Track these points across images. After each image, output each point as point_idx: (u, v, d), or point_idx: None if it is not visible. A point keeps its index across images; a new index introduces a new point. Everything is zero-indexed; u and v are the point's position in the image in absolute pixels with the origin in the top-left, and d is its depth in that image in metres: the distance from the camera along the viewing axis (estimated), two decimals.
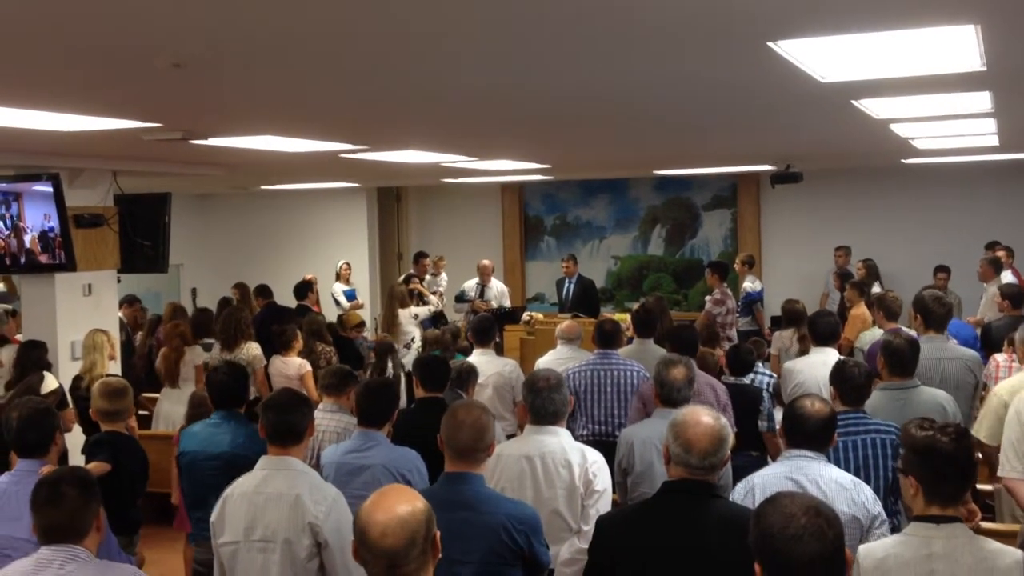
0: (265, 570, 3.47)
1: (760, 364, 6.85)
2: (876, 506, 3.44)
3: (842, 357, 5.33)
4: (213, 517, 3.62)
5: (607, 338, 6.21)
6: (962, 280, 10.67)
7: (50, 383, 5.99)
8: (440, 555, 2.39)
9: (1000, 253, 10.12)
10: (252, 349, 7.76)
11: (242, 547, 3.51)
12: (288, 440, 3.63)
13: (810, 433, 3.54)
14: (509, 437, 4.38)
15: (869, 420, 4.18)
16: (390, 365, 7.94)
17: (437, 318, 10.72)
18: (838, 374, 4.41)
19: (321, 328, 8.35)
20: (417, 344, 9.44)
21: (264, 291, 10.38)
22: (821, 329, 6.15)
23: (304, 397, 3.88)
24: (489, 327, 7.18)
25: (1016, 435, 3.97)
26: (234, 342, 7.74)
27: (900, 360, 4.67)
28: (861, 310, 8.38)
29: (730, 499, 3.47)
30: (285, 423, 3.62)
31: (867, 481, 3.72)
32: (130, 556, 4.33)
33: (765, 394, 5.98)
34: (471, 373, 5.97)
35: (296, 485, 3.50)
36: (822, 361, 5.67)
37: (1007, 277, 9.46)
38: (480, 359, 6.73)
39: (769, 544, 2.21)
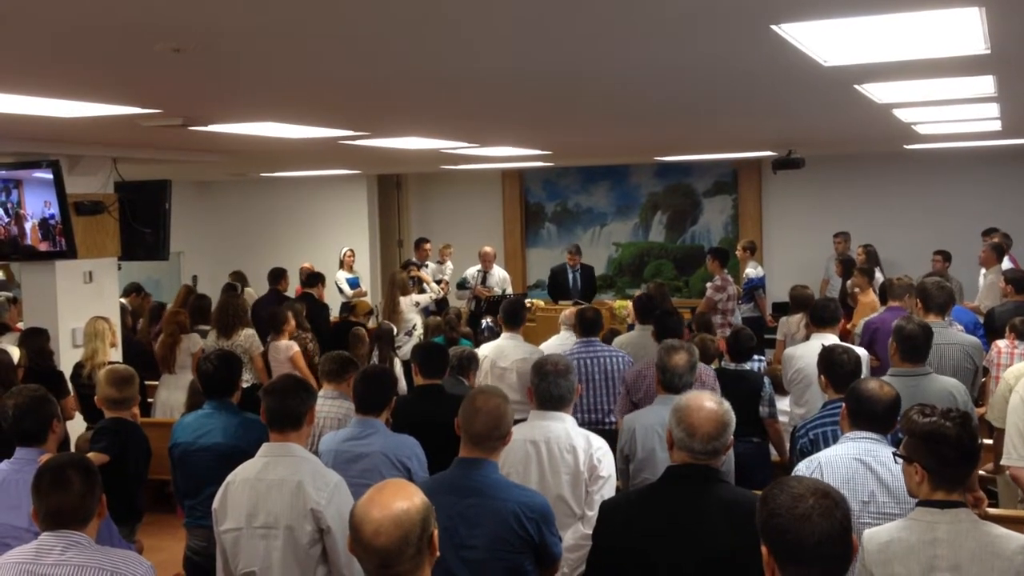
0: (267, 556, 3.47)
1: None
2: None
3: (829, 343, 5.27)
4: (215, 504, 3.61)
5: (589, 326, 6.23)
6: (961, 266, 10.64)
7: (13, 353, 5.98)
8: (438, 554, 2.33)
9: (996, 239, 10.08)
10: (249, 336, 7.78)
11: (244, 533, 3.51)
12: (287, 425, 3.61)
13: (877, 415, 3.55)
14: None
15: None
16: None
17: (440, 305, 10.69)
18: (827, 361, 4.35)
19: (299, 315, 8.36)
20: (419, 331, 9.42)
21: (274, 276, 10.15)
22: (820, 314, 6.13)
23: (305, 383, 3.85)
24: (519, 310, 6.91)
25: (1022, 422, 3.95)
26: (231, 329, 7.75)
27: (913, 346, 4.62)
28: (870, 297, 8.34)
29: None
30: (283, 408, 3.61)
31: None
32: (130, 543, 4.33)
33: (766, 380, 5.96)
34: (471, 360, 5.96)
35: (298, 471, 3.50)
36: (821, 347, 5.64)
37: (1006, 265, 9.43)
38: (507, 343, 6.62)
39: (777, 524, 2.20)
